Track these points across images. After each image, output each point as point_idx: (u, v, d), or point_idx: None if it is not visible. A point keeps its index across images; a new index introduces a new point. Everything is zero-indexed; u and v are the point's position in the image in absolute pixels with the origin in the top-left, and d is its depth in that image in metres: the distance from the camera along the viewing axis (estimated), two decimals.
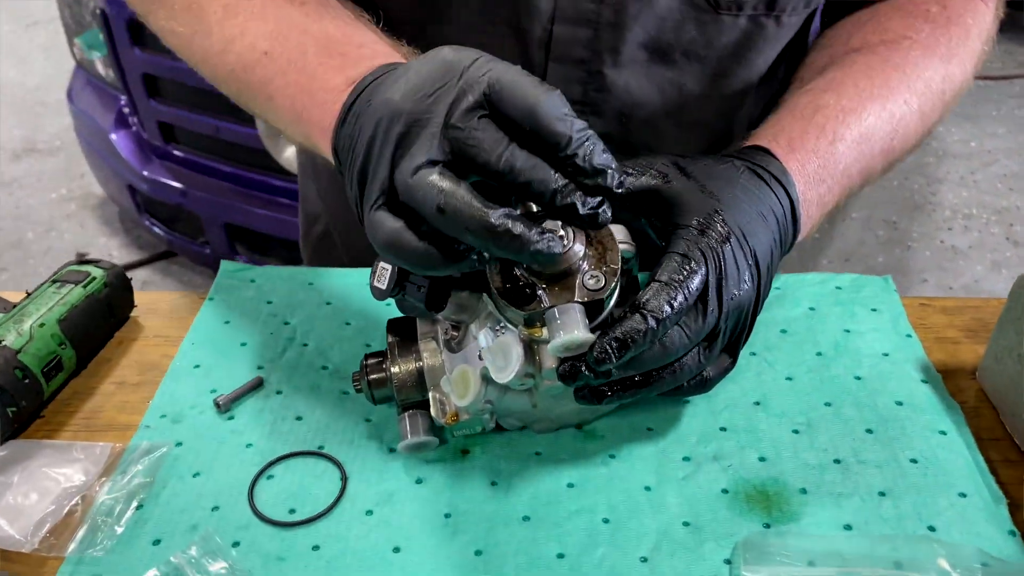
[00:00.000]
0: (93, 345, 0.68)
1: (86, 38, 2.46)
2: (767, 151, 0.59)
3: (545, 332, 0.50)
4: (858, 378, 0.65)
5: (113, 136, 2.40)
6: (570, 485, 0.58)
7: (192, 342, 0.70)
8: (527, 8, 0.63)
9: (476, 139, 0.44)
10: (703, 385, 0.57)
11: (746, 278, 0.53)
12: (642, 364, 0.52)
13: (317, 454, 0.60)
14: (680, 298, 0.50)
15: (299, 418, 0.63)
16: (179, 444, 0.61)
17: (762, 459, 0.59)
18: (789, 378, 0.65)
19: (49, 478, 0.58)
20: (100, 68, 2.44)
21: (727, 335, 0.54)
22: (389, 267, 0.53)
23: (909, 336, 0.69)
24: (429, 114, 0.45)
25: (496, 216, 0.43)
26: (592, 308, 0.51)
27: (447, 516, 0.56)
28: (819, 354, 0.67)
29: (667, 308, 0.50)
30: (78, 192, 2.96)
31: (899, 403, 0.63)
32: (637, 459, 0.59)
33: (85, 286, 0.68)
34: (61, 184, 2.97)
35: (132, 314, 0.73)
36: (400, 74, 0.48)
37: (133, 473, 0.58)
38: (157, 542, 0.54)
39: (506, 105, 0.44)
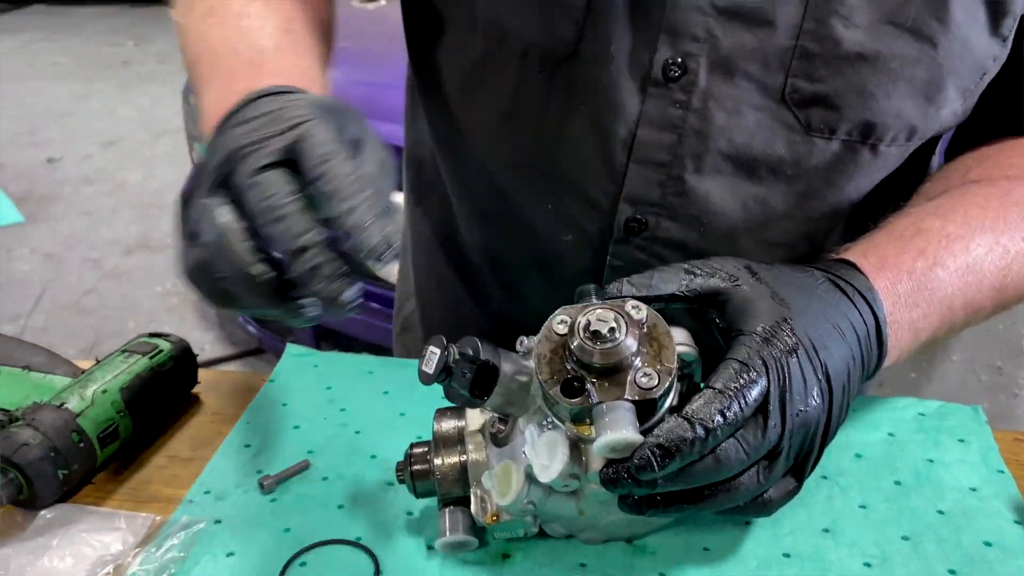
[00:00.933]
0: (151, 416, 0.69)
1: (203, 147, 2.64)
2: (853, 265, 0.56)
3: (592, 430, 0.48)
4: (941, 512, 0.59)
5: None
6: None
7: (247, 421, 0.70)
8: (613, 109, 0.63)
9: (254, 185, 0.46)
10: (764, 507, 0.52)
11: (815, 394, 0.49)
12: (692, 478, 0.48)
13: (353, 544, 0.58)
14: (735, 408, 0.47)
15: (340, 506, 0.61)
16: (218, 522, 0.60)
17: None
18: (863, 506, 0.60)
19: (88, 544, 0.57)
20: None
21: (792, 455, 0.50)
22: (437, 351, 0.52)
23: (1001, 472, 0.63)
24: (242, 156, 0.48)
25: (257, 267, 0.46)
26: (644, 409, 0.48)
27: None
28: (897, 483, 0.62)
29: (718, 417, 0.46)
30: (181, 288, 3.10)
31: (988, 543, 0.57)
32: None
33: (151, 357, 0.69)
34: (167, 279, 3.12)
35: (194, 390, 0.74)
36: (249, 111, 0.51)
37: (168, 547, 0.57)
38: None
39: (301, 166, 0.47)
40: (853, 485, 0.62)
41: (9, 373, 0.67)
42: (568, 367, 0.49)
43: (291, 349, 0.77)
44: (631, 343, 0.48)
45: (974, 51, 0.62)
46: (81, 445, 0.62)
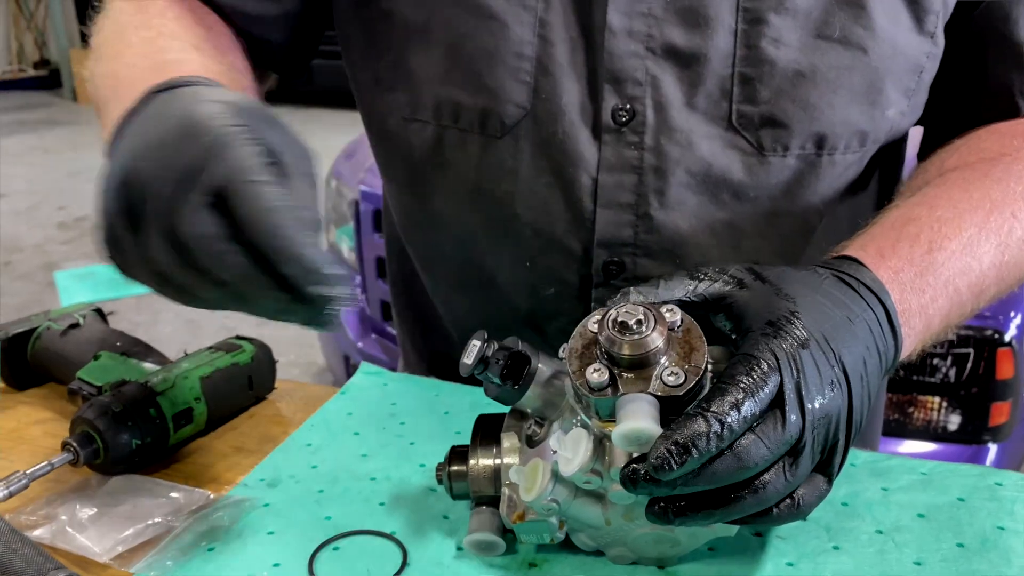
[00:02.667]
0: (225, 409, 0.73)
1: (341, 231, 2.80)
2: (855, 260, 0.56)
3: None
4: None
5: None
6: None
7: (312, 424, 0.73)
8: (573, 160, 0.66)
9: (191, 238, 0.45)
10: (795, 510, 0.51)
11: (832, 384, 0.49)
12: (715, 478, 0.48)
13: (385, 536, 0.59)
14: (748, 401, 0.46)
15: (382, 503, 0.63)
16: (267, 504, 0.62)
17: None
18: (918, 563, 0.57)
19: (145, 508, 0.61)
20: (345, 252, 2.75)
21: (816, 450, 0.49)
22: (478, 343, 0.54)
23: None
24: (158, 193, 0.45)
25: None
26: (669, 407, 0.48)
27: None
28: (960, 545, 0.58)
29: (732, 412, 0.46)
30: (304, 360, 3.24)
31: None
32: None
33: (234, 355, 0.74)
34: (292, 351, 3.27)
35: (270, 396, 0.78)
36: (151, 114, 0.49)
37: (216, 518, 0.60)
38: None
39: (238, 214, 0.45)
40: (911, 543, 0.58)
41: (109, 356, 0.74)
42: (598, 363, 0.50)
43: (365, 367, 0.81)
44: (658, 339, 0.49)
45: (905, 51, 0.65)
46: (157, 421, 0.66)
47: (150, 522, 0.59)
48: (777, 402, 0.48)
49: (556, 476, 0.52)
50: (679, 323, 0.51)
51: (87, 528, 0.59)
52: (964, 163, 0.68)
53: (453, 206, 0.73)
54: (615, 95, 0.65)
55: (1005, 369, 1.89)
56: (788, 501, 0.50)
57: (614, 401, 0.48)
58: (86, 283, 3.99)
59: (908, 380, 1.93)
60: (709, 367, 0.50)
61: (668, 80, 0.65)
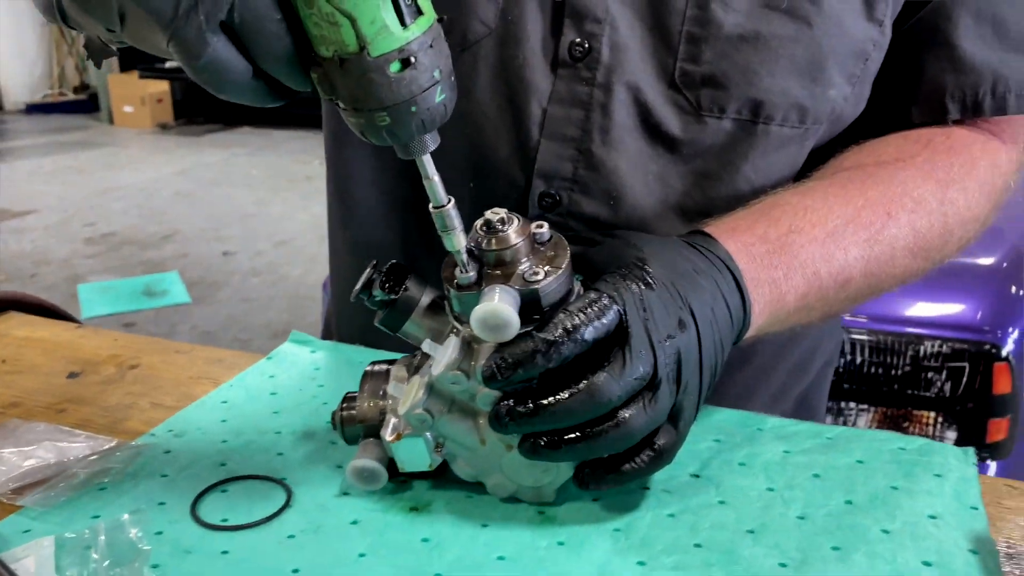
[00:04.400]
0: None
1: None
2: (706, 235, 0.58)
3: None
4: (886, 531, 0.54)
5: None
6: (500, 558, 0.52)
7: (231, 385, 0.74)
8: (527, 88, 0.67)
9: None
10: (658, 458, 0.52)
11: (680, 322, 0.51)
12: (572, 413, 0.50)
13: (273, 480, 0.60)
14: (584, 328, 0.49)
15: (280, 454, 0.64)
16: (167, 452, 0.64)
17: None
18: (801, 517, 0.56)
19: (49, 450, 0.62)
20: None
21: (672, 387, 0.51)
22: (368, 270, 0.55)
23: (975, 508, 0.57)
24: None
25: None
26: (531, 307, 0.51)
27: (361, 556, 0.53)
28: (848, 502, 0.57)
29: (560, 330, 0.49)
30: None
31: (927, 563, 0.51)
32: (587, 551, 0.53)
33: None
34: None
35: (205, 363, 0.80)
36: None
37: (112, 459, 0.61)
38: (96, 516, 0.56)
39: None
40: (799, 499, 0.58)
41: None
42: (468, 266, 0.52)
43: (295, 335, 0.82)
44: (518, 237, 0.51)
45: (851, 33, 0.66)
46: None
47: (49, 462, 0.61)
48: (625, 339, 0.50)
49: (431, 388, 0.54)
50: (547, 236, 0.53)
51: None
52: (858, 164, 0.69)
53: None
54: (574, 30, 0.66)
55: (1002, 384, 1.85)
56: (649, 451, 0.52)
57: (478, 295, 0.50)
58: (107, 296, 4.08)
59: (903, 394, 1.90)
60: (576, 279, 0.53)
61: (626, 23, 0.66)
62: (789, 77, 0.66)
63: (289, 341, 0.82)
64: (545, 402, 0.50)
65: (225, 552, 0.53)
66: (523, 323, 0.50)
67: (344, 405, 0.60)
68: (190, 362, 0.80)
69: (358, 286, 0.55)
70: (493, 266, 0.51)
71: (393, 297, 0.55)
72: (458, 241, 0.51)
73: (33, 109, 8.10)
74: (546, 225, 0.53)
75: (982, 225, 0.72)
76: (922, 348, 1.88)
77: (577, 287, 0.53)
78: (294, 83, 0.46)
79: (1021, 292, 1.93)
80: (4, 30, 7.87)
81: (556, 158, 0.68)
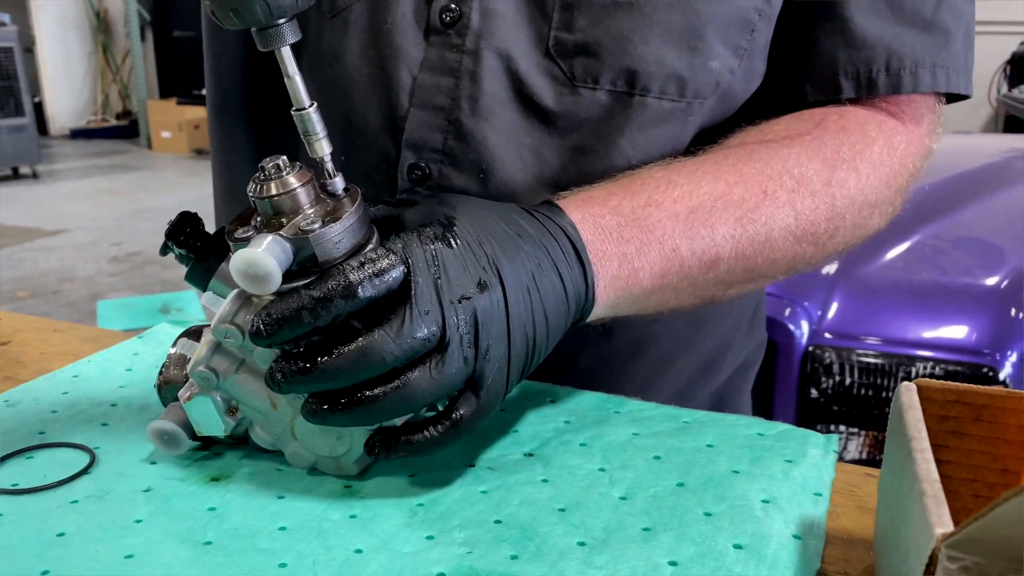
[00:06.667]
0: None
1: None
2: (553, 204, 0.55)
3: None
4: (708, 514, 0.49)
5: None
6: (281, 528, 0.49)
7: (91, 360, 0.72)
8: (397, 55, 0.64)
9: None
10: (454, 427, 0.49)
11: (480, 285, 0.47)
12: (342, 372, 0.47)
13: (80, 447, 0.57)
14: (360, 286, 0.46)
15: (105, 424, 0.61)
16: None
17: (514, 557, 0.46)
18: (623, 497, 0.51)
19: None
20: None
21: (466, 351, 0.47)
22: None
23: (818, 495, 0.52)
24: None
25: None
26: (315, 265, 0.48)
27: (137, 521, 0.50)
28: (680, 485, 0.53)
29: (328, 287, 0.46)
30: None
31: (738, 546, 0.46)
32: (376, 524, 0.49)
33: None
34: None
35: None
36: None
37: None
38: None
39: None
40: (627, 480, 0.53)
41: None
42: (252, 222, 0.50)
43: (171, 318, 0.80)
44: (295, 182, 0.48)
45: (731, 1, 0.62)
46: None
47: None
48: (403, 294, 0.47)
49: (217, 346, 0.51)
50: (339, 188, 0.50)
51: None
52: (742, 143, 0.65)
53: (281, 84, 0.73)
54: None
55: None
56: (445, 420, 0.49)
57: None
58: (125, 312, 4.13)
59: None
60: (371, 234, 0.50)
61: None
62: (664, 45, 0.62)
63: (166, 322, 0.80)
64: (317, 360, 0.46)
65: None
66: (303, 278, 0.47)
67: (161, 371, 0.57)
68: (64, 341, 0.78)
69: (165, 240, 0.53)
70: (273, 215, 0.49)
71: (190, 254, 0.52)
72: (321, 147, 0.50)
73: (77, 134, 8.34)
74: (340, 176, 0.50)
75: (883, 212, 0.67)
76: (915, 370, 1.79)
77: (373, 245, 0.50)
78: None
79: (1021, 315, 1.85)
80: (52, 58, 8.14)
81: (425, 128, 0.66)
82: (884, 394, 1.82)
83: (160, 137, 7.73)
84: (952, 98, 0.68)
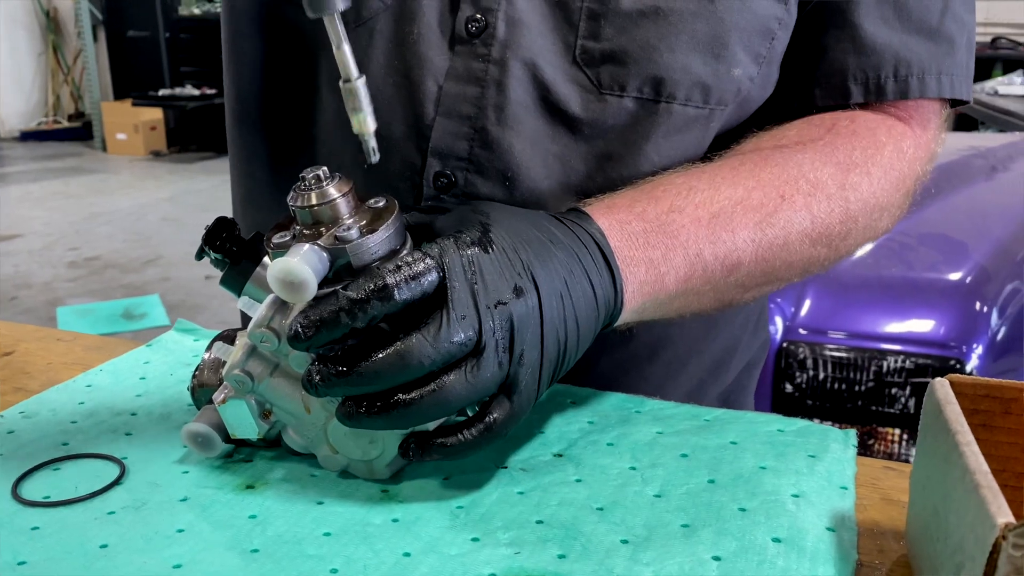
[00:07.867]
0: None
1: None
2: (580, 211, 0.56)
3: None
4: (743, 509, 0.51)
5: None
6: (326, 534, 0.49)
7: (102, 369, 0.71)
8: (423, 64, 0.65)
9: None
10: (489, 431, 0.49)
11: (516, 288, 0.48)
12: (380, 376, 0.47)
13: (109, 458, 0.57)
14: (397, 289, 0.46)
15: (128, 434, 0.61)
16: (11, 432, 0.61)
17: (561, 556, 0.47)
18: (658, 495, 0.53)
19: None
20: None
21: (501, 356, 0.48)
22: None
23: (844, 489, 0.54)
24: None
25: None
26: (352, 273, 0.49)
27: (179, 531, 0.49)
28: (711, 481, 0.54)
29: (364, 290, 0.46)
30: None
31: (776, 540, 0.48)
32: (420, 528, 0.50)
33: None
34: None
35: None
36: None
37: None
38: None
39: None
40: (659, 478, 0.55)
41: None
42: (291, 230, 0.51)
43: (180, 323, 0.80)
44: (334, 193, 0.49)
45: (755, 10, 0.63)
46: None
47: None
48: (441, 300, 0.47)
49: (252, 350, 0.51)
50: (382, 205, 0.51)
51: None
52: (756, 148, 0.66)
53: (310, 95, 0.72)
54: (471, 5, 0.65)
55: None
56: (479, 424, 0.49)
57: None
58: (86, 319, 4.06)
59: (867, 410, 1.87)
60: (404, 242, 0.50)
61: (523, 2, 0.64)
62: (690, 53, 0.64)
63: (174, 329, 0.79)
64: (354, 364, 0.47)
65: (35, 528, 0.50)
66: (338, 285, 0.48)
67: (195, 374, 0.57)
68: (68, 350, 0.77)
69: (201, 244, 0.53)
70: (311, 224, 0.49)
71: (226, 258, 0.52)
72: (366, 124, 0.50)
73: (27, 136, 8.13)
74: (386, 197, 0.51)
75: (891, 215, 0.69)
76: (885, 364, 1.84)
77: (407, 251, 0.51)
78: None
79: (985, 308, 1.90)
80: (0, 59, 7.93)
81: (451, 136, 0.66)
82: (856, 388, 1.86)
83: (115, 139, 7.57)
84: (953, 103, 0.71)
